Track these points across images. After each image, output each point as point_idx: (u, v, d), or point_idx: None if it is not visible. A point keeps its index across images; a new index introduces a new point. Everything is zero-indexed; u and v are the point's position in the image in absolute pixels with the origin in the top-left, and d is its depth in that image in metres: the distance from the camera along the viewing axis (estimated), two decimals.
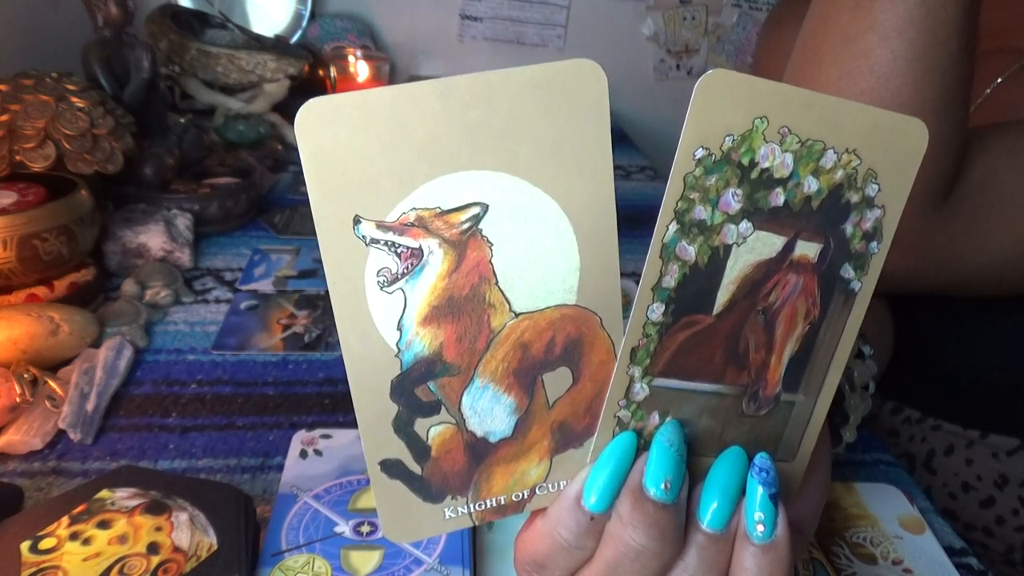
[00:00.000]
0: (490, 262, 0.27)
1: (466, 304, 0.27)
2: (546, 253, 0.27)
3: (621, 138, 1.52)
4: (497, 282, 0.27)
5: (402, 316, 0.27)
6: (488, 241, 0.27)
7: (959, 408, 0.77)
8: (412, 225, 0.26)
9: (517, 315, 0.28)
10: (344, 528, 0.47)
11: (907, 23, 0.49)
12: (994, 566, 0.76)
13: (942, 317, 0.74)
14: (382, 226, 0.26)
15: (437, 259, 0.26)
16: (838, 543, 0.51)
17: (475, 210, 0.26)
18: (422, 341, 0.27)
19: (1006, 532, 0.75)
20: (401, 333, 0.27)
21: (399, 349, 0.27)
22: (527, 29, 1.71)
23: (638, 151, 1.43)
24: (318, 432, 0.56)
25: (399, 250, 0.26)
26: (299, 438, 0.55)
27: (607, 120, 0.26)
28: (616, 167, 1.20)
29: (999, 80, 0.70)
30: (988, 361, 0.73)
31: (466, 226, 0.26)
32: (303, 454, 0.54)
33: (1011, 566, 0.75)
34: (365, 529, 0.47)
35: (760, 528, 0.28)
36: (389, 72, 1.42)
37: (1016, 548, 0.75)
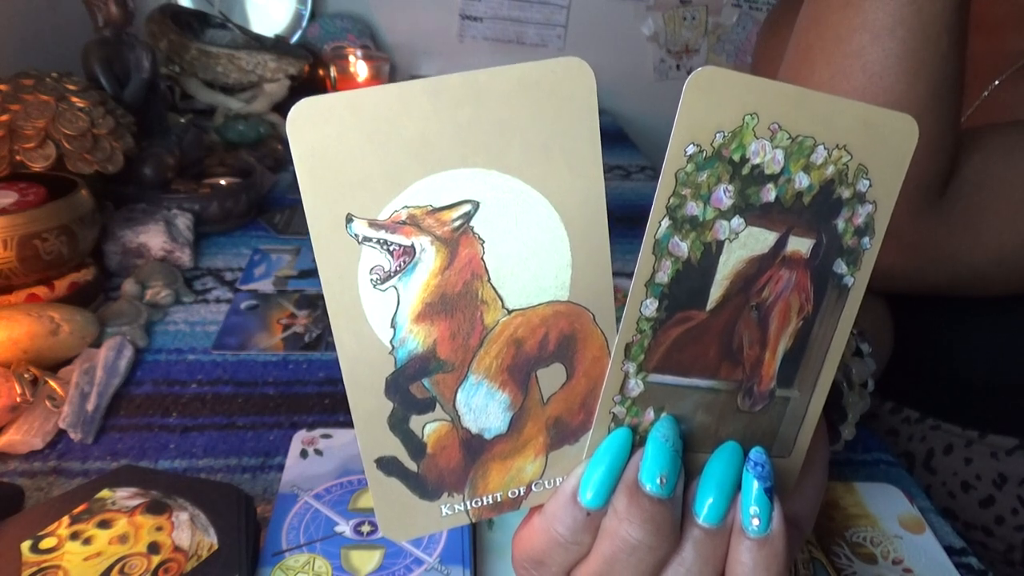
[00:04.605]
0: (482, 259, 0.27)
1: (459, 301, 0.27)
2: (538, 250, 0.27)
3: (621, 138, 1.52)
4: (489, 279, 0.27)
5: (395, 313, 0.27)
6: (480, 238, 0.27)
7: (957, 408, 0.77)
8: (404, 223, 0.26)
9: (510, 312, 0.28)
10: (344, 528, 0.47)
11: (898, 21, 0.49)
12: (994, 566, 0.76)
13: (940, 317, 0.74)
14: (374, 224, 0.26)
15: (429, 256, 0.27)
16: (838, 543, 0.51)
17: (466, 208, 0.26)
18: (416, 338, 0.28)
19: (1006, 531, 0.75)
20: (395, 330, 0.27)
21: (393, 346, 0.28)
22: (527, 29, 1.71)
23: (638, 151, 1.43)
24: (318, 432, 0.56)
25: (391, 248, 0.26)
26: (299, 438, 0.56)
27: (596, 117, 0.26)
28: (616, 167, 1.19)
29: (996, 82, 0.70)
30: (986, 361, 0.73)
31: (457, 223, 0.26)
32: (303, 454, 0.54)
33: (1011, 566, 0.75)
34: (366, 529, 0.47)
35: (756, 522, 0.28)
36: (389, 72, 1.42)
37: (1016, 547, 0.75)
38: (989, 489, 0.75)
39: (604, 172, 0.27)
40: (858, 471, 0.59)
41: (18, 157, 0.75)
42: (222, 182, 0.96)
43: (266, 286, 0.80)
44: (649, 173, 1.29)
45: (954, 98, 0.52)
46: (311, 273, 0.83)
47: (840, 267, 0.29)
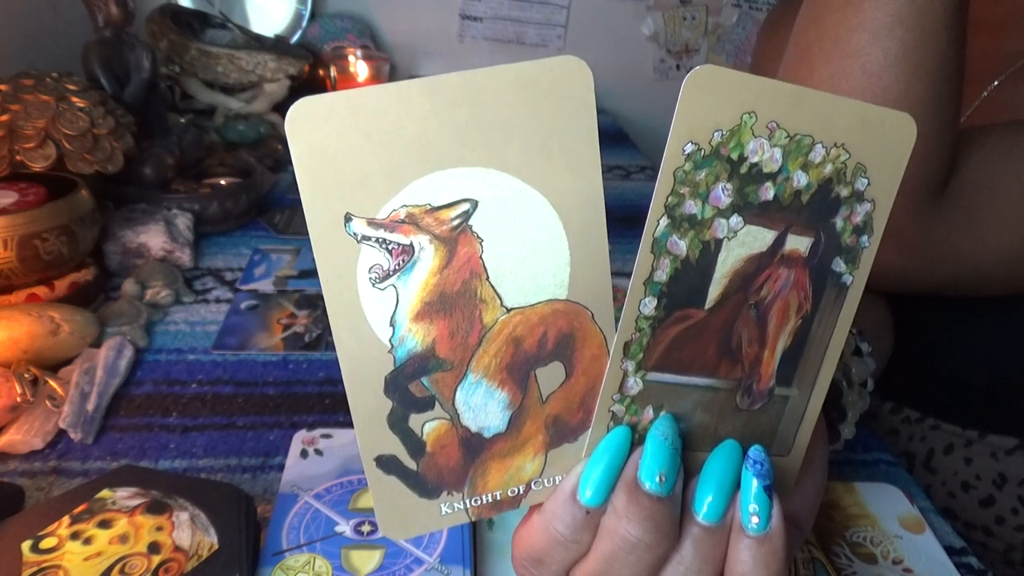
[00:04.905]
0: (480, 258, 0.27)
1: (458, 300, 0.27)
2: (536, 248, 0.27)
3: (621, 138, 1.52)
4: (488, 277, 0.27)
5: (395, 312, 0.27)
6: (478, 237, 0.27)
7: (957, 408, 0.76)
8: (403, 222, 0.26)
9: (508, 310, 0.28)
10: (345, 527, 0.47)
11: (897, 21, 0.49)
12: (994, 566, 0.76)
13: (940, 317, 0.74)
14: (373, 223, 0.26)
15: (428, 255, 0.27)
16: (838, 542, 0.51)
17: (465, 206, 0.26)
18: (415, 337, 0.28)
19: (1006, 531, 0.75)
20: (394, 329, 0.27)
21: (392, 345, 0.28)
22: (527, 29, 1.71)
23: (638, 151, 1.43)
24: (319, 432, 0.56)
25: (390, 247, 0.26)
26: (300, 438, 0.56)
27: (594, 116, 0.26)
28: (616, 167, 1.19)
29: (996, 82, 0.70)
30: (986, 361, 0.73)
31: (456, 222, 0.26)
32: (304, 454, 0.54)
33: (1010, 566, 0.75)
34: (366, 528, 0.47)
35: (755, 520, 0.29)
36: (389, 72, 1.42)
37: (1016, 547, 0.75)
38: (989, 489, 0.75)
39: (604, 172, 0.27)
40: (858, 471, 0.59)
41: (18, 157, 0.75)
42: (222, 182, 0.96)
43: (266, 286, 0.80)
44: (649, 173, 1.29)
45: (953, 97, 0.52)
46: (311, 273, 0.83)
47: (839, 265, 0.29)
